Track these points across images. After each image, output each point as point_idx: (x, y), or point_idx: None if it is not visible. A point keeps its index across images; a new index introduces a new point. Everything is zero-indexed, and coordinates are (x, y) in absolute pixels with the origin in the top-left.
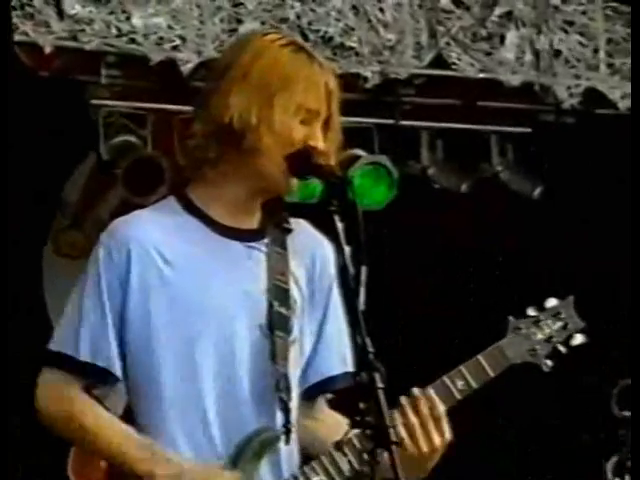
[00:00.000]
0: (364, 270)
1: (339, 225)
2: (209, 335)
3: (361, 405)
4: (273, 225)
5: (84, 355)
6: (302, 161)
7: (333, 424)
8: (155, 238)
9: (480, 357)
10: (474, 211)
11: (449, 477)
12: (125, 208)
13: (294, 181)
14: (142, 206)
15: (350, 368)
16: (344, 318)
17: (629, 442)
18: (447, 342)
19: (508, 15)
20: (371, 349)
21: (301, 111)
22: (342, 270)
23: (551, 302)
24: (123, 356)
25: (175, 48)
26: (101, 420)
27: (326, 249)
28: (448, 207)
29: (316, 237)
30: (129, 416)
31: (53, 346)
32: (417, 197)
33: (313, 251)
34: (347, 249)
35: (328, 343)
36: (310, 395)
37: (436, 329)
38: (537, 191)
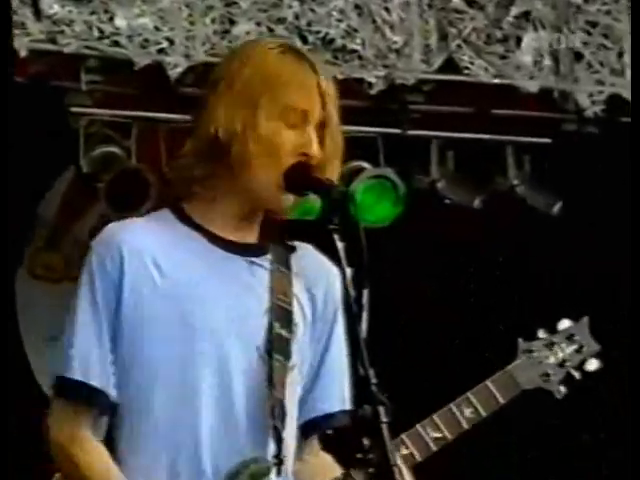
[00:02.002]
0: (366, 294)
1: (339, 245)
2: (204, 353)
3: (364, 441)
4: (276, 242)
5: (77, 374)
6: (299, 176)
7: (321, 468)
8: (150, 246)
9: (489, 383)
10: (488, 229)
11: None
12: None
13: (289, 197)
14: None
15: (348, 406)
16: (346, 350)
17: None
18: (455, 366)
19: (525, 15)
20: (374, 380)
21: (288, 113)
22: (343, 294)
23: (564, 324)
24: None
25: (162, 51)
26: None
27: (333, 275)
28: (459, 224)
29: (323, 262)
30: (107, 438)
31: (50, 372)
32: (425, 213)
33: (319, 276)
34: (348, 271)
35: (328, 377)
36: (302, 432)
37: (443, 352)
38: (556, 207)
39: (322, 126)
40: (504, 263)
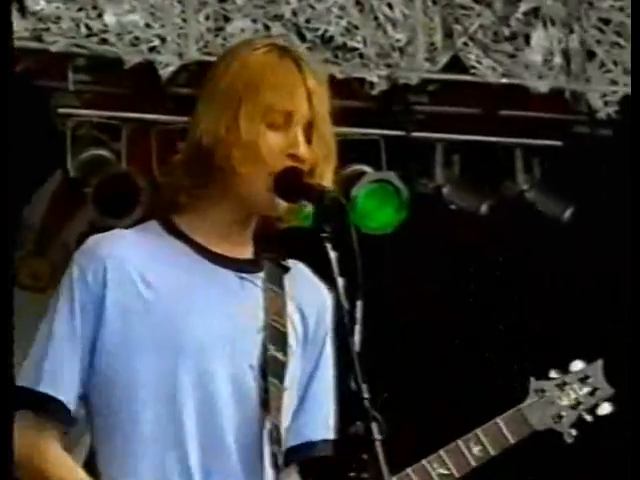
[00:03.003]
0: (360, 306)
1: (332, 254)
2: (190, 371)
3: (362, 457)
4: (268, 260)
5: (44, 386)
6: (289, 182)
7: None
8: (136, 258)
9: (500, 421)
10: (495, 236)
11: None
12: (95, 232)
13: (281, 202)
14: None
15: (331, 435)
16: (333, 375)
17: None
18: (461, 396)
19: (535, 12)
20: (367, 395)
21: (271, 114)
22: (335, 306)
23: (577, 365)
24: (88, 391)
25: (153, 49)
26: None
27: (325, 298)
28: (465, 231)
29: (315, 284)
30: (88, 463)
31: (19, 381)
32: (430, 220)
33: (311, 298)
34: (341, 282)
35: (313, 403)
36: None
37: (448, 381)
38: (568, 213)
39: (310, 126)
40: (512, 274)
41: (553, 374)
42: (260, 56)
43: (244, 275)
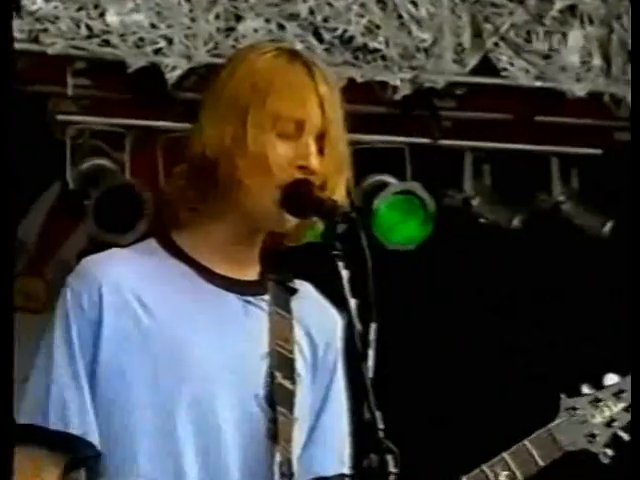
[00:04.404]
0: (374, 328)
1: (344, 273)
2: (191, 400)
3: None
4: (274, 282)
5: (54, 422)
6: (298, 195)
7: None
8: (133, 281)
9: (527, 443)
10: (529, 252)
11: None
12: (96, 249)
13: (290, 218)
14: (117, 246)
15: (347, 469)
16: (346, 404)
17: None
18: (487, 421)
19: (571, 10)
20: (381, 425)
21: (281, 123)
22: (347, 328)
23: (611, 378)
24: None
25: (159, 52)
26: None
27: (335, 322)
28: (496, 247)
29: (323, 305)
30: None
31: (24, 418)
32: (458, 234)
33: (319, 321)
34: (353, 302)
35: (325, 433)
36: None
37: (474, 402)
38: (607, 227)
39: (322, 136)
40: (545, 291)
41: (585, 390)
42: (268, 60)
43: (248, 298)
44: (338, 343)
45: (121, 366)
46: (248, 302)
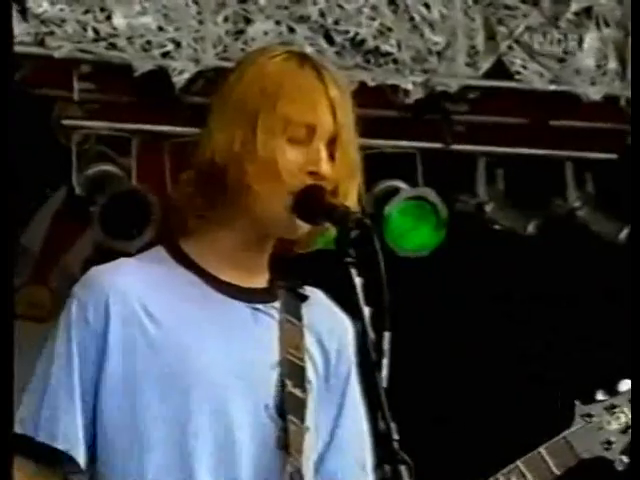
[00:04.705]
0: (387, 337)
1: (357, 281)
2: (203, 414)
3: None
4: (284, 289)
5: (43, 435)
6: (310, 201)
7: None
8: (140, 291)
9: (542, 450)
10: (543, 258)
11: None
12: (101, 256)
13: (300, 223)
14: (124, 253)
15: (370, 477)
16: (364, 411)
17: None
18: (500, 428)
19: (587, 12)
20: (396, 436)
21: (291, 127)
22: (360, 337)
23: (627, 384)
24: (93, 438)
25: (167, 55)
26: None
27: (346, 328)
28: (510, 254)
29: (336, 313)
30: None
31: (17, 428)
32: (471, 241)
33: (332, 328)
34: (367, 311)
35: (343, 443)
36: None
37: (488, 409)
38: (623, 233)
39: (333, 141)
40: (562, 300)
41: (600, 396)
42: (278, 64)
43: (257, 306)
44: (350, 350)
45: (128, 377)
46: (257, 310)
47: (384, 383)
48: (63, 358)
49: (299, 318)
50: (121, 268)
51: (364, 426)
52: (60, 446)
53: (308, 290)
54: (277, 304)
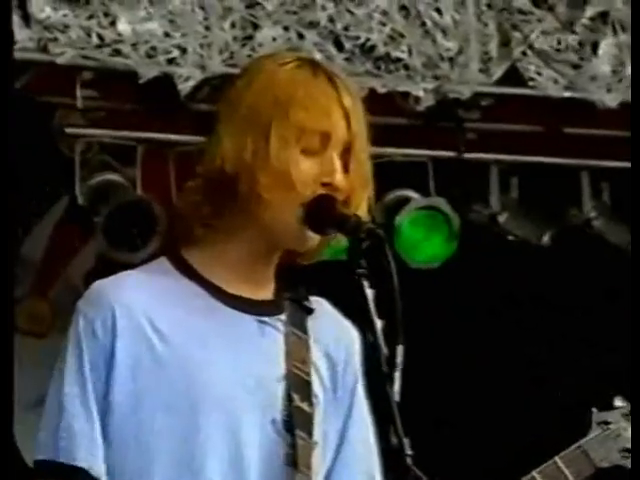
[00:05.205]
0: (401, 351)
1: (369, 293)
2: (212, 430)
3: None
4: (290, 301)
5: (63, 457)
6: (321, 211)
7: None
8: (146, 305)
9: (558, 460)
10: (558, 269)
11: None
12: (105, 268)
13: (311, 235)
14: (128, 265)
15: None
16: (371, 425)
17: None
18: (517, 437)
19: (603, 17)
20: (409, 452)
21: (306, 137)
22: (373, 350)
23: None
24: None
25: (172, 61)
26: None
27: (353, 339)
28: (525, 264)
29: (342, 323)
30: None
31: (37, 454)
32: (484, 252)
33: (337, 339)
34: (379, 324)
35: (352, 457)
36: None
37: (503, 418)
38: None
39: (347, 150)
40: (577, 311)
41: (618, 403)
42: (289, 72)
43: (264, 319)
44: (357, 359)
45: (136, 393)
46: (263, 322)
47: (396, 397)
48: (76, 377)
49: (305, 331)
50: (126, 282)
51: (372, 437)
52: (81, 464)
53: (313, 300)
54: (283, 316)
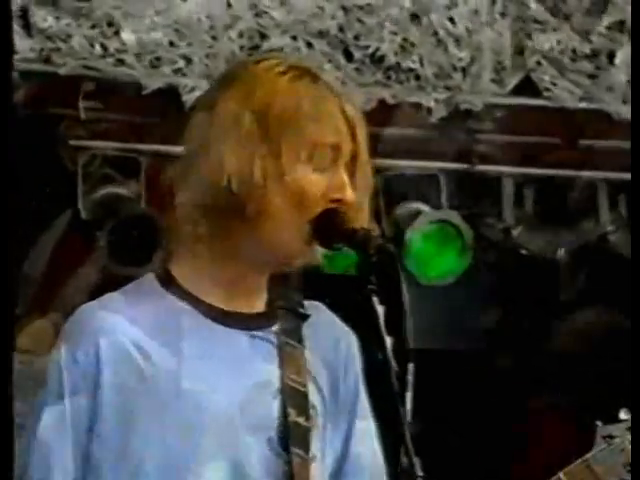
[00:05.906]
0: (411, 369)
1: (379, 309)
2: (208, 450)
3: None
4: (284, 309)
5: None
6: (328, 226)
7: None
8: (130, 328)
9: (562, 476)
10: (574, 285)
11: None
12: (109, 284)
13: (318, 249)
14: (132, 280)
15: None
16: (376, 428)
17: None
18: (520, 452)
19: (620, 25)
20: (420, 473)
21: (318, 151)
22: (383, 368)
23: None
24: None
25: (177, 72)
26: None
27: (351, 340)
28: (539, 280)
29: (337, 325)
30: None
31: None
32: (498, 266)
33: (335, 343)
34: (389, 341)
35: (358, 462)
36: None
37: (506, 432)
38: None
39: (352, 161)
40: (592, 327)
41: (623, 415)
42: (291, 82)
43: (255, 333)
44: (357, 362)
45: (125, 422)
46: (255, 337)
47: (408, 417)
48: (54, 406)
49: (299, 340)
50: (110, 305)
51: (376, 442)
52: None
53: (309, 305)
54: (275, 327)
